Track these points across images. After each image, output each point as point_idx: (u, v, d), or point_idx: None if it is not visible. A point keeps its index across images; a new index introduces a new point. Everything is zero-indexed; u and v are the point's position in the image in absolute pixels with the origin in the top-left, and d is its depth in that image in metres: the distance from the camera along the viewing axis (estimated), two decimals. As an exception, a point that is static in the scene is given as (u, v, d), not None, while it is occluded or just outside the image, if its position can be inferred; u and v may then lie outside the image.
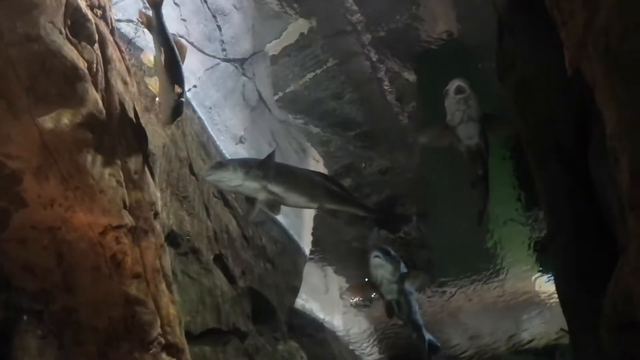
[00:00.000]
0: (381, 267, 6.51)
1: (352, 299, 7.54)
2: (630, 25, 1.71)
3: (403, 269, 6.89)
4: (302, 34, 8.41)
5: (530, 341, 13.62)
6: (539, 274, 12.57)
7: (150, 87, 4.40)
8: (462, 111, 5.46)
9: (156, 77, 4.30)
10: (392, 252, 6.79)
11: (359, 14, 8.38)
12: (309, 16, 8.29)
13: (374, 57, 8.82)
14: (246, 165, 5.15)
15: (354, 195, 6.58)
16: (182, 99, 4.33)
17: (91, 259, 3.65)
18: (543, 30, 5.45)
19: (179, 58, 4.29)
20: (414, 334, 7.71)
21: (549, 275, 12.69)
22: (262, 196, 5.17)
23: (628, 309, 4.28)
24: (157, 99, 4.46)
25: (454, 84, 5.59)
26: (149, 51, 4.39)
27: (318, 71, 8.77)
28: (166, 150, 5.11)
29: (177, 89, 4.19)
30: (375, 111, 9.43)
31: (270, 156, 5.44)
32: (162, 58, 4.23)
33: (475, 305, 13.14)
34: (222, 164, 5.17)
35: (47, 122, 3.60)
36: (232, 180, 5.03)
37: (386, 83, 9.12)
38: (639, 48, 1.68)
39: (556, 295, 13.35)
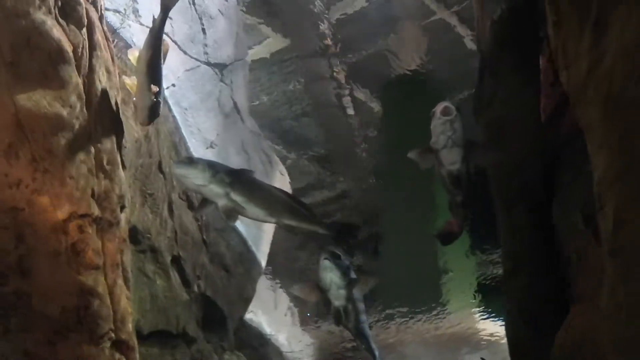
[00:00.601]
0: (330, 271, 6.36)
1: (301, 296, 7.34)
2: (634, 74, 1.76)
3: (352, 275, 6.78)
4: (276, 50, 8.44)
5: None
6: (482, 312, 12.76)
7: (127, 86, 4.37)
8: (447, 135, 5.47)
9: (134, 76, 4.29)
10: (343, 257, 6.64)
11: (332, 39, 8.45)
12: (284, 34, 8.33)
13: (342, 82, 8.89)
14: (214, 168, 5.13)
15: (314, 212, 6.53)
16: (160, 100, 4.33)
17: (51, 244, 3.55)
18: (524, 75, 5.62)
19: (162, 60, 4.30)
20: (361, 344, 7.62)
21: (491, 314, 12.91)
22: (222, 202, 5.15)
23: (576, 356, 4.39)
24: (134, 98, 4.42)
25: (441, 105, 5.57)
26: (136, 48, 4.36)
27: (285, 89, 8.80)
28: (137, 145, 5.05)
29: (154, 89, 4.18)
30: (336, 135, 9.50)
31: (243, 171, 5.49)
32: (147, 58, 4.21)
33: (416, 338, 13.24)
34: (193, 160, 5.14)
35: (25, 100, 3.52)
36: (198, 179, 5.00)
37: (350, 109, 9.19)
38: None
39: (496, 334, 13.59)
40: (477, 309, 12.79)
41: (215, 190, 5.08)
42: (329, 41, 8.44)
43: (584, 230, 4.56)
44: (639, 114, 1.75)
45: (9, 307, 3.40)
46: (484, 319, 13.03)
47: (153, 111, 4.28)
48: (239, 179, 5.24)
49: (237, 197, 5.16)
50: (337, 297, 6.56)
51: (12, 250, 3.47)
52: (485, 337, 13.43)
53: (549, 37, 2.51)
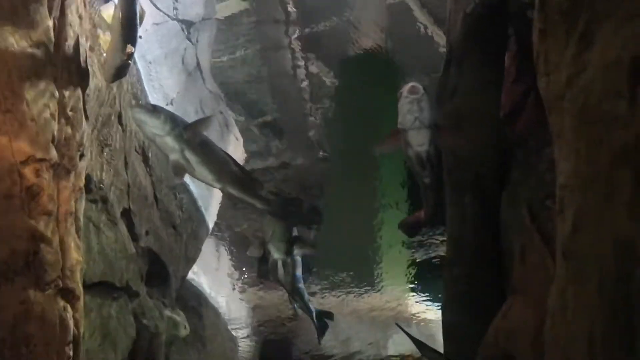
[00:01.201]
0: (277, 222, 6.45)
1: (254, 254, 7.30)
2: (611, 91, 1.84)
3: (295, 232, 6.83)
4: (234, 13, 8.33)
5: (394, 355, 14.14)
6: (413, 294, 13.08)
7: (100, 41, 4.31)
8: (414, 116, 5.38)
9: (109, 32, 4.23)
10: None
11: (293, 7, 8.40)
12: None
13: (298, 53, 8.87)
14: (174, 122, 5.07)
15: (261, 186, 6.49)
16: (129, 61, 4.30)
17: (6, 185, 3.48)
18: (488, 71, 5.73)
19: (138, 21, 4.24)
20: (295, 302, 7.61)
21: (422, 295, 13.25)
22: (174, 157, 5.11)
23: (508, 344, 4.59)
24: (104, 54, 4.37)
25: (409, 84, 5.49)
26: (110, 6, 4.29)
27: (240, 53, 8.72)
28: (99, 94, 4.97)
29: (128, 49, 4.14)
30: (287, 105, 9.49)
31: (201, 122, 5.42)
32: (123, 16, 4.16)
33: (350, 313, 13.50)
34: (155, 108, 5.07)
35: (-8, 37, 3.43)
36: (156, 128, 4.94)
37: (304, 81, 9.19)
38: (614, 114, 1.82)
39: (424, 316, 13.91)
40: (410, 289, 13.07)
41: (170, 144, 5.04)
42: (290, 8, 8.39)
43: (530, 227, 4.72)
44: (609, 129, 1.84)
45: (-45, 245, 3.35)
46: (416, 299, 13.36)
47: (120, 71, 4.26)
48: (195, 138, 5.19)
49: (190, 155, 5.13)
50: (278, 249, 6.57)
51: (-37, 189, 3.41)
52: (416, 317, 13.80)
53: (533, 43, 2.59)
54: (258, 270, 11.18)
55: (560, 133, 2.15)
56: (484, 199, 5.59)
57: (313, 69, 9.03)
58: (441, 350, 5.80)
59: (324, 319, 8.24)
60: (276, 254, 6.67)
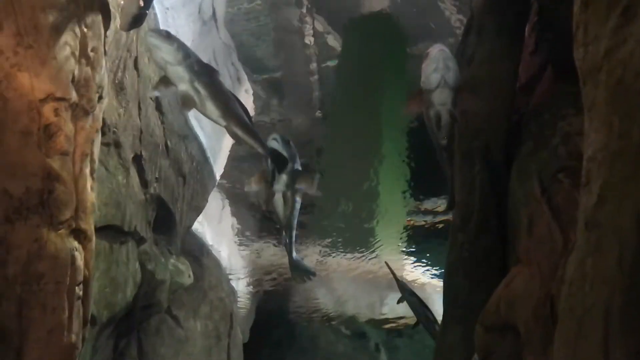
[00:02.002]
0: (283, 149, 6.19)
1: (252, 189, 7.09)
2: (650, 65, 1.84)
3: (298, 166, 6.64)
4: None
5: (386, 317, 14.35)
6: (408, 257, 13.20)
7: None
8: (441, 74, 5.36)
9: None
10: (292, 144, 6.44)
11: None
12: None
13: (305, 11, 8.78)
14: (187, 52, 4.98)
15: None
16: (146, 11, 4.29)
17: (24, 122, 3.49)
18: (507, 40, 5.69)
19: None
20: (286, 237, 7.47)
21: (416, 262, 13.38)
22: (183, 87, 4.97)
23: (510, 313, 4.64)
24: (122, 1, 4.33)
25: (436, 46, 5.43)
26: None
27: (245, 6, 8.60)
28: (117, 37, 4.93)
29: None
30: (290, 62, 9.42)
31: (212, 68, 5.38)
32: None
33: (345, 274, 13.63)
34: (171, 36, 4.94)
35: (18, -31, 3.39)
36: (169, 54, 4.81)
37: (309, 38, 9.11)
38: (651, 89, 1.82)
39: (419, 282, 13.99)
40: (404, 253, 13.18)
41: (181, 74, 4.90)
42: None
43: (539, 199, 4.74)
44: (645, 105, 1.84)
45: (-29, 179, 3.36)
46: (412, 263, 13.48)
47: (137, 19, 4.23)
48: (206, 72, 5.14)
49: (200, 87, 5.03)
50: (278, 182, 6.39)
51: (-18, 122, 3.41)
52: (412, 281, 13.95)
53: (573, 13, 2.55)
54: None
55: (593, 105, 2.15)
56: (493, 169, 5.60)
57: (319, 27, 8.95)
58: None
59: (304, 270, 8.21)
60: (276, 186, 6.45)
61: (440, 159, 6.17)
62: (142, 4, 4.11)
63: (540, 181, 4.82)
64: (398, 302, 9.52)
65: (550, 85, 5.47)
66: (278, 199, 6.50)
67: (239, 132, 5.42)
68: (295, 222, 7.05)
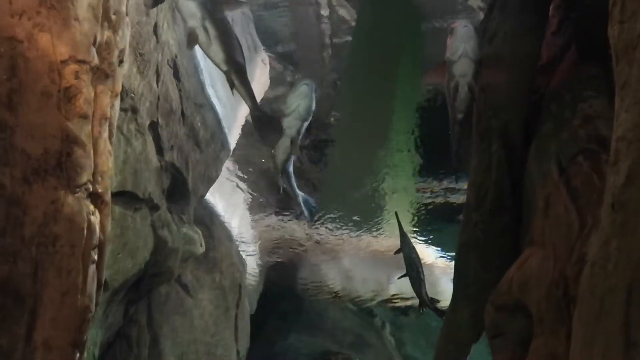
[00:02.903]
0: (304, 98, 6.14)
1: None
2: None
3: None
4: None
5: (393, 296, 14.41)
6: (417, 238, 13.19)
7: None
8: (463, 45, 5.46)
9: None
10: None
11: None
12: None
13: None
14: None
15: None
16: None
17: (44, 83, 3.49)
18: (530, 17, 5.62)
19: None
20: (283, 183, 7.36)
21: (425, 242, 13.38)
22: (192, 23, 4.97)
23: (522, 294, 4.64)
24: None
25: (463, 21, 5.64)
26: None
27: None
28: (138, 2, 4.90)
29: None
30: (304, 35, 9.31)
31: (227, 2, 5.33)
32: None
33: (353, 252, 13.66)
34: None
35: None
36: None
37: (324, 10, 9.00)
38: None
39: (427, 261, 14.00)
40: (414, 233, 13.17)
41: (192, 10, 4.89)
42: None
43: (557, 180, 4.71)
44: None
45: (-10, 138, 3.36)
46: (420, 243, 13.49)
47: None
48: (217, 12, 5.08)
49: (209, 27, 5.00)
50: (292, 127, 6.30)
51: (3, 81, 3.40)
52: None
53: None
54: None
55: (626, 83, 2.11)
56: (511, 148, 5.55)
57: (333, 1, 8.86)
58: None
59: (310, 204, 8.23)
60: (289, 130, 6.31)
61: (451, 133, 6.18)
62: None
63: (559, 163, 4.79)
64: (396, 253, 9.49)
65: (572, 66, 5.41)
66: (284, 143, 6.44)
67: (237, 81, 5.34)
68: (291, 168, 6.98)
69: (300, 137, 6.43)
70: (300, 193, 7.97)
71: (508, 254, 5.31)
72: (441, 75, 5.71)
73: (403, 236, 9.17)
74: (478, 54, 5.50)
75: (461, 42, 5.42)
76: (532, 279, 4.53)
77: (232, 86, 5.33)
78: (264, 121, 5.69)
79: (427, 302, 9.09)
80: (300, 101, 6.10)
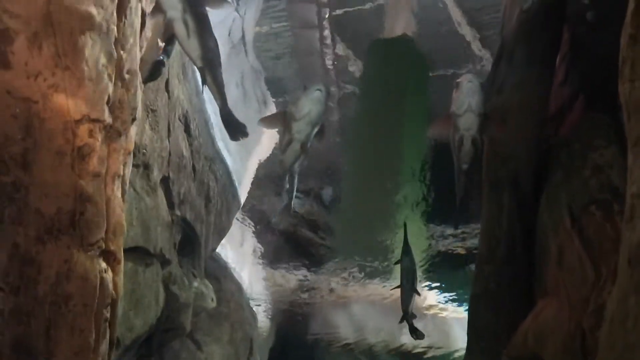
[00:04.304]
0: (317, 104, 5.85)
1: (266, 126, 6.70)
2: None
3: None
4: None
5: (406, 345, 14.21)
6: (428, 286, 13.08)
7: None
8: (468, 100, 5.44)
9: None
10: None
11: None
12: None
13: (326, 33, 8.80)
14: None
15: None
16: (164, 60, 4.54)
17: (58, 143, 3.51)
18: (538, 69, 5.68)
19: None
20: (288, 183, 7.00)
21: (436, 289, 13.26)
22: (172, 14, 4.72)
23: (538, 346, 4.57)
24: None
25: (468, 76, 5.64)
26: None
27: (268, 27, 8.62)
28: (149, 59, 4.97)
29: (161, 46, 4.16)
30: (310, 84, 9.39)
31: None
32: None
33: (365, 298, 13.54)
34: None
35: (59, -8, 3.44)
36: None
37: (329, 61, 9.11)
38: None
39: (438, 309, 13.84)
40: (424, 279, 13.07)
41: (174, 1, 4.67)
42: None
43: (570, 230, 4.69)
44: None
45: (5, 198, 3.37)
46: (431, 291, 13.37)
47: (155, 69, 4.26)
48: (199, 7, 4.90)
49: (190, 20, 4.81)
50: (302, 132, 6.02)
51: (18, 141, 3.42)
52: (428, 307, 13.83)
53: (620, 47, 2.52)
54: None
55: (639, 140, 2.12)
56: (521, 198, 5.56)
57: (339, 50, 8.98)
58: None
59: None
60: (298, 135, 6.02)
61: (457, 182, 6.18)
62: (161, 55, 4.16)
63: (571, 212, 4.78)
64: (395, 263, 9.36)
65: (580, 115, 5.45)
66: (294, 147, 6.15)
67: (210, 78, 5.11)
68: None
69: (310, 141, 6.18)
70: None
71: (521, 303, 5.27)
72: (446, 127, 5.75)
73: (406, 246, 9.03)
74: (482, 108, 5.54)
75: (466, 97, 5.47)
76: (548, 330, 4.48)
77: (204, 82, 5.13)
78: (233, 123, 5.44)
79: (409, 318, 9.06)
80: (312, 106, 5.89)
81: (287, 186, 6.93)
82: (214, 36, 5.22)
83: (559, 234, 4.90)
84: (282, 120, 6.08)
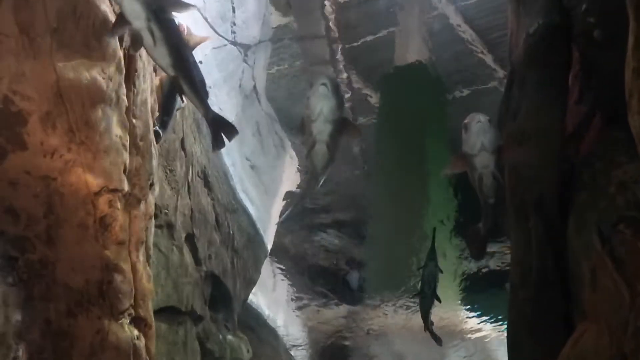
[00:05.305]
0: (326, 99, 5.47)
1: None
2: None
3: (344, 113, 5.93)
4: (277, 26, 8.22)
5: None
6: (465, 309, 12.90)
7: None
8: (480, 141, 5.53)
9: None
10: (340, 90, 5.75)
11: (335, 22, 8.37)
12: (285, 12, 8.19)
13: (340, 67, 8.85)
14: None
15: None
16: (160, 131, 4.55)
17: (80, 216, 3.57)
18: (551, 90, 5.64)
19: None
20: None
21: (474, 311, 13.06)
22: (137, 24, 4.35)
23: (580, 372, 4.47)
24: None
25: (475, 116, 5.67)
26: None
27: (280, 69, 8.65)
28: (164, 120, 5.04)
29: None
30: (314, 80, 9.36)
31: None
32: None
33: (403, 329, 13.39)
34: None
35: (67, 69, 3.52)
36: None
37: (346, 94, 9.14)
38: None
39: (478, 331, 13.65)
40: (461, 304, 12.92)
41: (137, 10, 4.32)
42: (331, 24, 8.37)
43: (601, 252, 4.60)
44: None
45: (33, 275, 3.43)
46: (468, 314, 13.19)
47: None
48: (164, 13, 4.58)
49: (155, 28, 4.49)
50: (323, 132, 5.67)
51: (41, 219, 3.49)
52: (469, 331, 13.62)
53: (625, 81, 2.51)
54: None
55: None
56: (548, 222, 5.47)
57: (355, 82, 9.03)
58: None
59: None
60: (319, 136, 5.67)
61: (483, 216, 6.16)
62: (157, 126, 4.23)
63: (600, 233, 4.69)
64: (419, 269, 9.24)
65: (599, 132, 5.39)
66: (320, 149, 5.80)
67: (186, 87, 4.73)
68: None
69: (336, 140, 5.84)
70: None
71: (561, 329, 5.16)
72: (461, 166, 5.78)
73: (432, 252, 8.85)
74: (495, 143, 5.62)
75: (478, 138, 5.50)
76: (590, 356, 4.37)
77: (181, 93, 4.87)
78: (220, 125, 5.15)
79: (429, 325, 8.96)
80: (321, 103, 5.54)
81: (313, 183, 6.43)
82: (185, 42, 5.01)
83: (590, 257, 4.81)
84: (302, 127, 5.80)
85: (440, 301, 8.86)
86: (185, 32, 4.55)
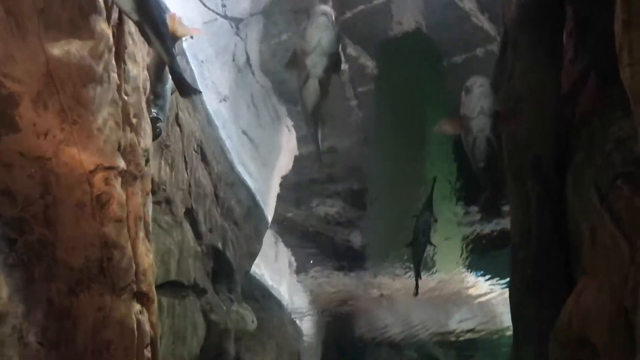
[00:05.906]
0: (326, 30, 5.21)
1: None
2: None
3: (339, 48, 5.65)
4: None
5: (454, 333, 14.13)
6: (469, 272, 12.99)
7: None
8: (480, 104, 5.53)
9: None
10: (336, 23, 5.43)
11: None
12: None
13: None
14: None
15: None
16: (159, 116, 4.51)
17: (77, 195, 3.57)
18: (545, 50, 5.62)
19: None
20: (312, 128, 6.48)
21: (478, 273, 13.14)
22: None
23: (584, 327, 4.51)
24: None
25: (478, 79, 5.67)
26: None
27: (276, 40, 8.60)
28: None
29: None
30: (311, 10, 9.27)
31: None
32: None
33: (406, 294, 13.48)
34: None
35: (55, 49, 3.48)
36: None
37: (343, 65, 9.07)
38: None
39: (483, 294, 13.79)
40: (464, 267, 13.00)
41: None
42: None
43: (599, 208, 4.61)
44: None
45: (33, 256, 3.44)
46: (472, 276, 13.28)
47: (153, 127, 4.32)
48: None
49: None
50: (318, 65, 5.39)
51: (37, 200, 3.48)
52: (473, 296, 13.73)
53: (615, 34, 2.49)
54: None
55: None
56: (546, 183, 5.50)
57: (351, 51, 8.97)
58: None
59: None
60: (313, 70, 5.40)
61: (480, 178, 6.19)
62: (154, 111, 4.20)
63: (598, 190, 4.71)
64: (414, 216, 9.25)
65: (594, 90, 5.37)
66: (312, 85, 5.53)
67: (151, 34, 4.24)
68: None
69: (329, 76, 5.55)
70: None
71: (562, 287, 5.20)
72: (454, 128, 5.80)
73: (429, 203, 8.83)
74: (494, 107, 5.65)
75: (478, 101, 5.50)
76: (592, 312, 4.41)
77: (148, 42, 4.62)
78: (183, 83, 4.95)
79: (419, 273, 9.06)
80: (320, 34, 5.24)
81: (312, 130, 6.16)
82: (167, 28, 4.55)
83: (589, 214, 4.83)
84: (294, 60, 5.52)
85: (434, 246, 8.95)
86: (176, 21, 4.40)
